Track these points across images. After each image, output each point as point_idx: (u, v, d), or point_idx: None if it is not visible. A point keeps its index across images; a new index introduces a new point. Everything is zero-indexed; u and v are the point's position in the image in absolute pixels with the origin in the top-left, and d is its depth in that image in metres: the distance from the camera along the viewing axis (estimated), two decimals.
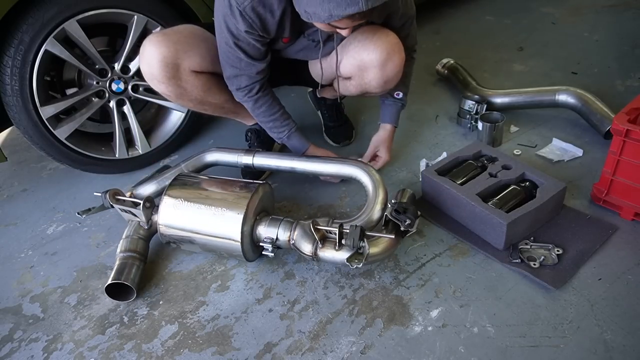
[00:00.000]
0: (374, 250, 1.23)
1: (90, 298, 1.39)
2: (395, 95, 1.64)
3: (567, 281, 1.23)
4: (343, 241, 1.23)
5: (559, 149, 1.72)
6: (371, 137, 1.70)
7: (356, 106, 2.12)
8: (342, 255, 1.23)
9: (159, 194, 1.54)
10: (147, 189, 1.56)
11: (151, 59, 1.41)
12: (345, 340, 1.17)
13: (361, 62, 1.43)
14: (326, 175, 1.60)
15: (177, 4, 1.75)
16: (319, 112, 1.96)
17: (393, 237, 1.24)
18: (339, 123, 1.92)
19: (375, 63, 1.41)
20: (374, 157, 1.70)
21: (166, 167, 1.65)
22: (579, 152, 1.68)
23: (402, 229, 1.26)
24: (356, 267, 1.21)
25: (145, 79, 1.48)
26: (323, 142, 1.92)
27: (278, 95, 1.57)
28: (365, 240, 1.21)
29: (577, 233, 1.36)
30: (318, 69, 1.57)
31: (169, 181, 1.46)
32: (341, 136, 1.91)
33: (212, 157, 1.61)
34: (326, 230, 1.27)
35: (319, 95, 1.79)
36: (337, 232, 1.22)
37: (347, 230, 1.22)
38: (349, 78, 1.52)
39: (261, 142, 1.78)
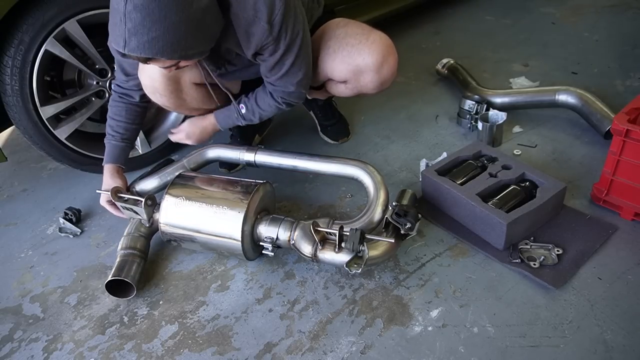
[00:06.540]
0: (373, 253, 1.23)
1: (90, 298, 1.39)
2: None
3: (567, 281, 1.23)
4: (343, 244, 1.22)
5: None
6: (370, 137, 1.67)
7: (355, 107, 2.12)
8: (341, 257, 1.23)
9: (160, 189, 1.55)
10: (149, 184, 1.57)
11: (154, 73, 1.42)
12: (345, 340, 1.17)
13: (356, 67, 1.43)
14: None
15: None
16: (310, 113, 1.95)
17: (393, 241, 1.23)
18: (334, 121, 1.92)
19: (371, 67, 1.41)
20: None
21: (170, 161, 1.65)
22: None
23: (402, 232, 1.26)
24: (355, 273, 1.21)
25: (146, 92, 1.48)
26: (320, 141, 1.93)
27: None
28: (365, 244, 1.21)
29: (577, 233, 1.35)
30: None
31: (170, 177, 1.46)
32: (339, 133, 1.92)
33: (214, 153, 1.61)
34: (326, 232, 1.27)
35: (309, 97, 1.79)
36: (337, 235, 1.22)
37: (347, 233, 1.22)
38: (344, 82, 1.52)
39: (242, 135, 1.85)
